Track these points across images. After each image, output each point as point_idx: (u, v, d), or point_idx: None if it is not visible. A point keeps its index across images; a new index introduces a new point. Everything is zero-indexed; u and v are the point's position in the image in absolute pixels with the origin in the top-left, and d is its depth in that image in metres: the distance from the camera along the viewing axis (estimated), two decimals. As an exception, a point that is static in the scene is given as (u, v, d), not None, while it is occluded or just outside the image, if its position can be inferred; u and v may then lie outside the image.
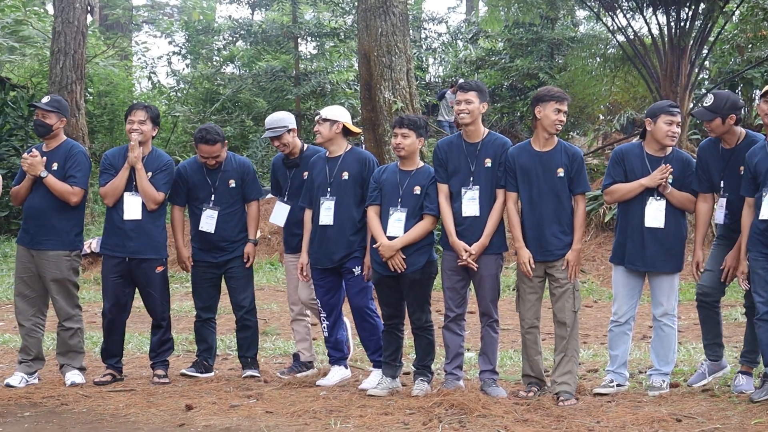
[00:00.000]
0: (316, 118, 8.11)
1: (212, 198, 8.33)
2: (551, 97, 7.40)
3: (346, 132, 8.07)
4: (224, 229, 8.32)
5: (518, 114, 23.29)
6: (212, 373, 8.46)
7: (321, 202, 7.97)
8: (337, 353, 8.20)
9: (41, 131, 8.22)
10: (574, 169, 7.46)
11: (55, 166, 8.10)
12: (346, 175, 7.91)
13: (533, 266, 7.41)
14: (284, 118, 8.43)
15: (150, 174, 8.14)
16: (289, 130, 8.36)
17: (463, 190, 7.50)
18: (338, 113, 8.08)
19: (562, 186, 7.43)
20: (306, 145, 8.47)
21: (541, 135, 7.47)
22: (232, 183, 8.35)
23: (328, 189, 7.96)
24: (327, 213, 7.93)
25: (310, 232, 8.05)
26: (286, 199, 8.40)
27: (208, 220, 8.31)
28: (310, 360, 8.52)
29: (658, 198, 7.46)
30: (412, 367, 7.85)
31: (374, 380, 7.82)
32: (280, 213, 8.40)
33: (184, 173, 8.47)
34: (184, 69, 28.41)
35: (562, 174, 7.42)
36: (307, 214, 8.10)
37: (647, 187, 7.44)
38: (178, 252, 8.48)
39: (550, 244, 7.41)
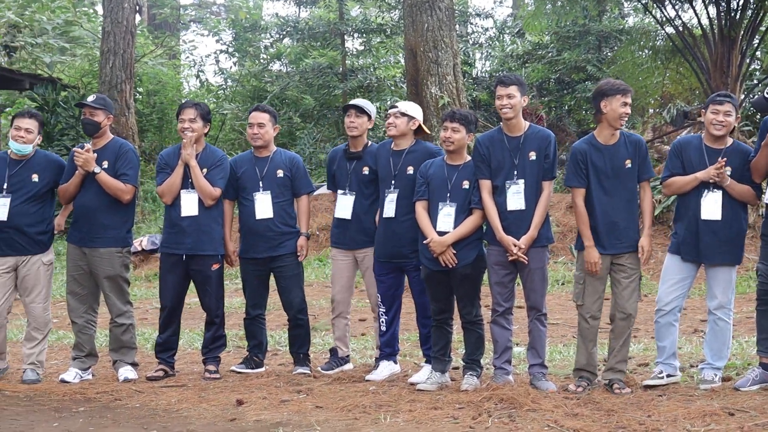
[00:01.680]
0: (391, 110, 8.12)
1: (260, 184, 8.37)
2: (617, 91, 7.37)
3: (416, 130, 8.13)
4: (271, 219, 8.35)
5: (566, 108, 23.14)
6: (263, 368, 8.51)
7: (386, 194, 8.01)
8: (389, 348, 8.21)
9: (90, 129, 8.30)
10: (640, 157, 7.47)
11: (105, 164, 8.17)
12: (411, 170, 7.94)
13: (599, 267, 7.41)
14: (372, 107, 8.47)
15: (205, 170, 8.22)
16: (369, 117, 8.38)
17: (507, 184, 7.49)
18: (416, 110, 8.14)
19: (631, 177, 7.44)
20: (370, 142, 8.47)
21: (607, 129, 7.46)
22: (280, 173, 8.35)
23: (392, 182, 8.00)
24: (390, 206, 7.98)
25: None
26: (347, 191, 8.41)
27: (263, 206, 8.32)
28: (346, 355, 8.54)
29: (715, 190, 7.40)
30: (462, 362, 7.85)
31: (424, 375, 7.83)
32: (345, 205, 8.34)
33: (234, 166, 8.54)
34: (231, 67, 28.55)
35: (630, 165, 7.43)
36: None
37: (702, 180, 7.40)
38: (225, 246, 8.48)
39: (621, 237, 7.43)
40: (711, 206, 7.39)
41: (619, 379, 7.40)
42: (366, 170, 8.27)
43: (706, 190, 7.41)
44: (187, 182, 8.22)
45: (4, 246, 8.17)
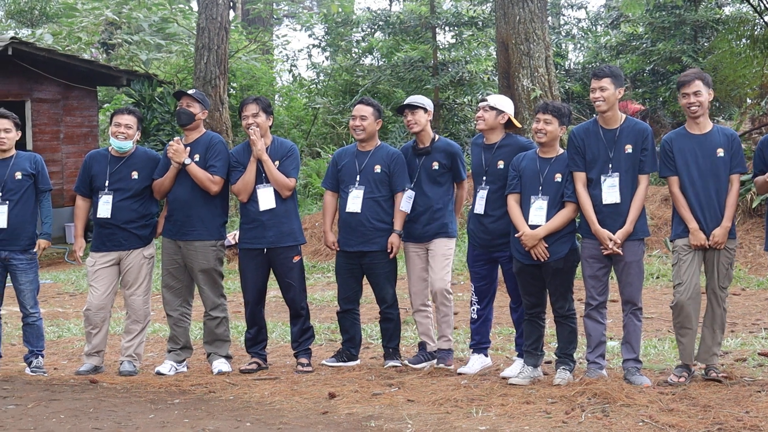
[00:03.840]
0: (481, 104, 8.10)
1: (357, 179, 8.39)
2: (678, 84, 7.39)
3: (507, 124, 8.06)
4: (363, 214, 8.34)
5: (660, 99, 22.77)
6: (357, 361, 8.53)
7: (477, 190, 7.99)
8: (478, 336, 8.18)
9: (185, 120, 8.39)
10: (733, 149, 7.37)
11: (196, 158, 8.27)
12: (501, 164, 7.90)
13: (708, 247, 7.36)
14: (425, 99, 8.42)
15: (277, 163, 8.27)
16: (425, 110, 8.32)
17: (602, 178, 7.42)
18: (505, 104, 8.08)
19: (722, 166, 7.36)
20: (437, 136, 8.44)
21: (689, 119, 7.39)
22: (378, 168, 8.32)
23: (483, 177, 7.97)
24: (480, 202, 7.96)
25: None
26: (413, 185, 8.38)
27: (354, 201, 8.34)
28: (435, 350, 8.49)
29: None
30: (554, 356, 7.79)
31: (516, 369, 7.79)
32: (406, 200, 8.34)
33: (337, 158, 8.58)
34: (323, 61, 28.69)
35: (722, 154, 7.35)
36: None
37: None
38: (325, 236, 8.56)
39: (710, 225, 7.35)
40: None
41: (714, 366, 7.33)
42: (436, 165, 8.26)
43: None
44: (260, 177, 8.27)
45: (107, 242, 8.34)
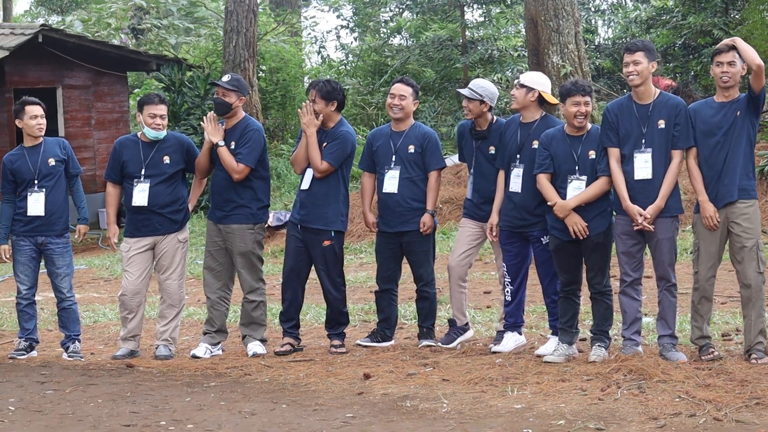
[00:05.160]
0: (515, 81, 8.05)
1: (393, 159, 8.37)
2: (715, 52, 7.28)
3: (542, 101, 7.98)
4: (400, 194, 8.33)
5: (692, 73, 22.58)
6: (392, 342, 8.52)
7: (511, 168, 7.95)
8: (512, 318, 8.15)
9: (221, 110, 8.40)
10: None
11: (232, 145, 8.30)
12: (536, 144, 7.84)
13: (718, 220, 7.24)
14: (485, 90, 8.18)
15: (325, 144, 8.26)
16: (482, 101, 8.19)
17: (635, 153, 7.37)
18: (536, 80, 8.01)
19: (743, 127, 7.25)
20: (495, 118, 8.36)
21: (720, 89, 7.34)
22: (411, 149, 8.31)
23: (518, 156, 7.93)
24: (516, 180, 7.91)
25: (502, 196, 8.06)
26: (472, 170, 8.35)
27: (390, 181, 8.34)
28: (465, 324, 8.48)
29: None
30: (589, 333, 7.77)
31: (550, 347, 7.77)
32: (468, 184, 8.37)
33: (372, 138, 8.59)
34: (352, 42, 28.66)
35: (739, 114, 7.24)
36: (500, 177, 8.10)
37: None
38: (364, 216, 8.59)
39: (730, 186, 7.23)
40: None
41: (758, 350, 7.23)
42: (492, 149, 8.18)
43: None
44: None
45: (141, 227, 8.41)
